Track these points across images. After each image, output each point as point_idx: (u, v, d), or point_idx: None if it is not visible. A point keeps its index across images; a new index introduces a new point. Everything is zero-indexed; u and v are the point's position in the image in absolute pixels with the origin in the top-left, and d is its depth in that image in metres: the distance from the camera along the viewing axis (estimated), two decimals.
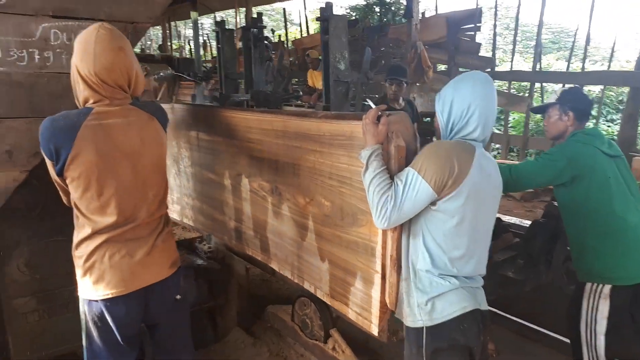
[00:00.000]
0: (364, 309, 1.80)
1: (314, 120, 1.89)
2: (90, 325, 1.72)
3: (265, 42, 9.94)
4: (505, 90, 8.83)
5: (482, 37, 12.67)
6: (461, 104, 1.60)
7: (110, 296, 1.67)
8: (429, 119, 5.01)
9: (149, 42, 15.76)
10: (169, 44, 12.03)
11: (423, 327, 1.59)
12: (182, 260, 2.85)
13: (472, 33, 8.66)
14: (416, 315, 1.60)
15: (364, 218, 1.73)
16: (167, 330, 1.88)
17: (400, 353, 1.74)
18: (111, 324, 1.70)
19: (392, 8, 12.27)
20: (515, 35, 9.09)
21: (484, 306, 1.64)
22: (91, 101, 1.65)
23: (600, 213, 2.15)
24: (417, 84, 8.09)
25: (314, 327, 2.53)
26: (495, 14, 9.27)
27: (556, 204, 2.56)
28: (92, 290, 1.68)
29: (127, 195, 1.68)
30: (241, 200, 2.38)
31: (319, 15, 2.44)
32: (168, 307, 1.83)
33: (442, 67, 9.12)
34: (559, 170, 2.16)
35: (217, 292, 2.85)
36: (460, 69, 8.82)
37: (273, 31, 12.90)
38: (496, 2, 9.00)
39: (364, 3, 13.29)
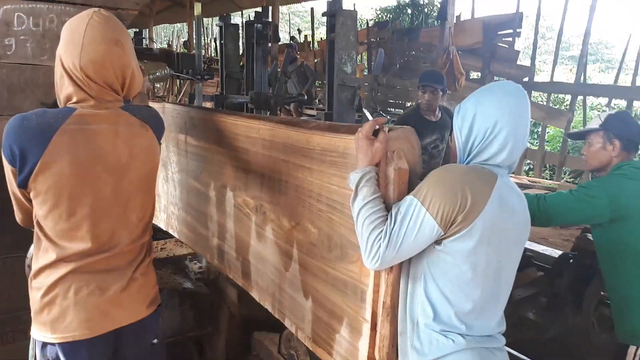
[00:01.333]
0: None
1: (304, 130, 1.59)
2: None
3: (291, 42, 9.75)
4: (543, 103, 8.27)
5: (519, 44, 12.03)
6: (485, 120, 1.29)
7: (70, 339, 1.37)
8: None
9: (177, 40, 15.76)
10: (194, 41, 11.96)
11: None
12: (168, 282, 2.57)
13: (510, 39, 8.16)
14: None
15: (354, 253, 1.42)
16: None
17: None
18: None
19: (425, 10, 11.87)
20: (558, 42, 8.44)
21: None
22: (74, 99, 1.36)
23: None
24: (448, 92, 7.69)
25: None
26: (538, 17, 8.52)
27: (590, 237, 2.20)
28: (48, 331, 1.38)
29: (105, 218, 1.39)
30: (225, 215, 2.10)
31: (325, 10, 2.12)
32: (142, 353, 1.53)
33: (475, 75, 8.65)
34: (597, 209, 1.80)
35: (204, 319, 2.53)
36: (495, 78, 8.34)
37: (300, 31, 12.67)
38: (540, 3, 8.31)
39: (395, 4, 12.90)
